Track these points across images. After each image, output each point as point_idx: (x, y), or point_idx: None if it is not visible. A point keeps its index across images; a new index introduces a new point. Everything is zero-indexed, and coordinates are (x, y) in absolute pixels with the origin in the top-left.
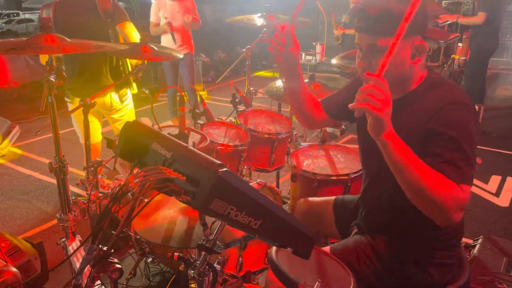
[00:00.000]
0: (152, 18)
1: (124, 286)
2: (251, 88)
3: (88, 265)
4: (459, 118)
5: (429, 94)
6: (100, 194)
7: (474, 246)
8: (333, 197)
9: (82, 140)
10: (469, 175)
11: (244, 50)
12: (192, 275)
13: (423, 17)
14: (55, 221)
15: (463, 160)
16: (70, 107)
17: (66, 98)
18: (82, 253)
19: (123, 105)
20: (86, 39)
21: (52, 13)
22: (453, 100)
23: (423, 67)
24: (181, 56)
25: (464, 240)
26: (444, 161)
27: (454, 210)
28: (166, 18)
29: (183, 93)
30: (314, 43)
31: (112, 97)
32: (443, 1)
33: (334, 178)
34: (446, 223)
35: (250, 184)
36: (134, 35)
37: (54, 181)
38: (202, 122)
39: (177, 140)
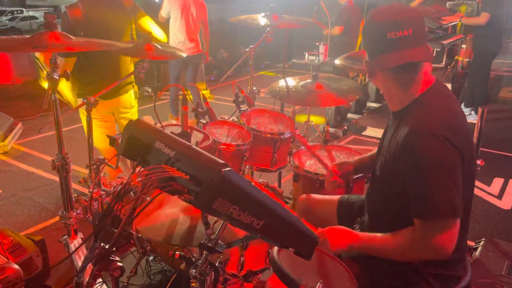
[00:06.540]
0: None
1: (125, 284)
2: (254, 88)
3: (90, 263)
4: (420, 150)
5: (410, 115)
6: (102, 192)
7: (476, 249)
8: (338, 196)
9: (95, 145)
10: (442, 205)
11: (247, 49)
12: (194, 274)
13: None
14: (56, 218)
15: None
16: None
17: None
18: (83, 250)
19: (134, 105)
20: (116, 36)
21: (83, 10)
22: (417, 129)
23: (414, 83)
24: (184, 55)
25: None
26: (414, 197)
27: (439, 254)
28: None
29: (186, 92)
30: (317, 43)
31: (130, 94)
32: (447, 2)
33: None
34: (445, 257)
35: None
36: (153, 28)
37: (56, 178)
38: (204, 121)
39: (181, 139)
